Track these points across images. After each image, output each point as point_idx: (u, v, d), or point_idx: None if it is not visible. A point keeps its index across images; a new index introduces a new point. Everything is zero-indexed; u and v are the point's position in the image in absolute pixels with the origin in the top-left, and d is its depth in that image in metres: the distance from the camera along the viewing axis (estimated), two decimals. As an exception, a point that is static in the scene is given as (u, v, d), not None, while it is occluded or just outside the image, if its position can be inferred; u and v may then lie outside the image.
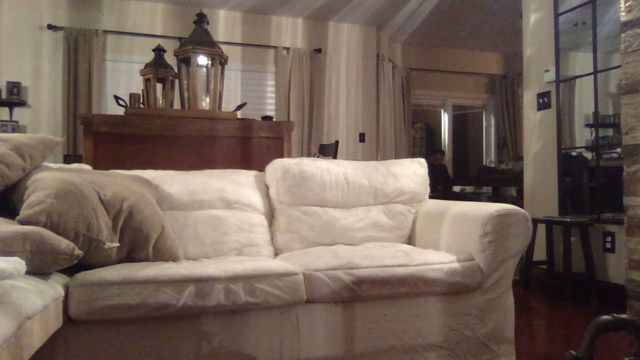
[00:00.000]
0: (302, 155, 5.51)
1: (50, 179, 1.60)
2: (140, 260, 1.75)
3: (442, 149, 7.40)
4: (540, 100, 3.96)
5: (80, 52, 5.06)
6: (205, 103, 3.21)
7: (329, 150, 4.34)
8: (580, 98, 4.15)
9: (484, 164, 7.61)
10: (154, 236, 1.77)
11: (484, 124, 7.76)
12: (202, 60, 3.18)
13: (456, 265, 1.87)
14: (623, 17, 2.70)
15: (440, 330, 1.87)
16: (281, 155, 3.03)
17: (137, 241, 1.73)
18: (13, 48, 4.96)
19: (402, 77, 6.83)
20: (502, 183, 6.27)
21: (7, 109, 4.89)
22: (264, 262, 1.79)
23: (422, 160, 2.60)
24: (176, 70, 3.32)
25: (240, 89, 5.73)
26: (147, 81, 3.34)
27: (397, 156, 6.41)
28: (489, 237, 1.89)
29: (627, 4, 2.68)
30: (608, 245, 3.35)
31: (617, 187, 2.79)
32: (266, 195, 2.37)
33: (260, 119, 3.41)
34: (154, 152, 2.86)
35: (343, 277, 1.74)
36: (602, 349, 2.29)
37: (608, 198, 3.38)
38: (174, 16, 5.42)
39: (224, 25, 5.63)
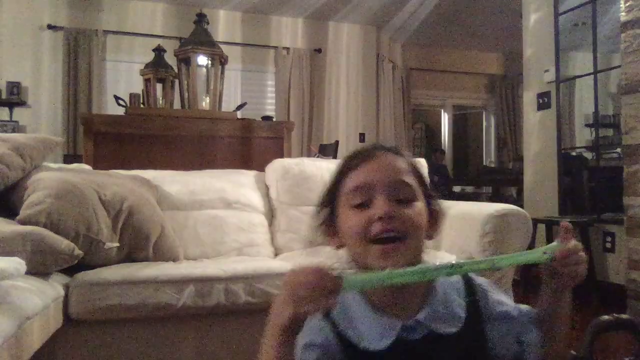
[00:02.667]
0: (302, 155, 5.51)
1: (50, 179, 1.60)
2: (140, 260, 1.75)
3: (442, 148, 7.39)
4: (540, 100, 3.96)
5: (80, 52, 5.05)
6: (205, 103, 3.21)
7: (329, 150, 4.33)
8: (580, 98, 4.15)
9: (484, 164, 7.60)
10: (154, 236, 1.77)
11: (484, 124, 7.75)
12: (202, 60, 3.18)
13: (456, 265, 1.87)
14: (623, 17, 2.70)
15: (440, 330, 1.87)
16: (281, 155, 3.03)
17: (137, 241, 1.73)
18: (13, 48, 4.95)
19: (402, 77, 6.82)
20: (502, 183, 6.27)
21: (7, 109, 4.88)
22: (264, 262, 1.79)
23: (423, 161, 2.59)
24: (176, 70, 3.32)
25: (240, 89, 5.72)
26: (147, 81, 3.34)
27: (397, 156, 6.39)
28: (489, 237, 1.89)
29: (627, 4, 2.68)
30: (608, 245, 3.34)
31: (617, 187, 2.78)
32: (266, 195, 2.36)
33: (260, 119, 3.41)
34: (154, 152, 2.86)
35: (343, 277, 1.74)
36: (602, 349, 2.28)
37: (608, 198, 3.38)
38: (174, 16, 5.42)
39: (224, 25, 5.62)
